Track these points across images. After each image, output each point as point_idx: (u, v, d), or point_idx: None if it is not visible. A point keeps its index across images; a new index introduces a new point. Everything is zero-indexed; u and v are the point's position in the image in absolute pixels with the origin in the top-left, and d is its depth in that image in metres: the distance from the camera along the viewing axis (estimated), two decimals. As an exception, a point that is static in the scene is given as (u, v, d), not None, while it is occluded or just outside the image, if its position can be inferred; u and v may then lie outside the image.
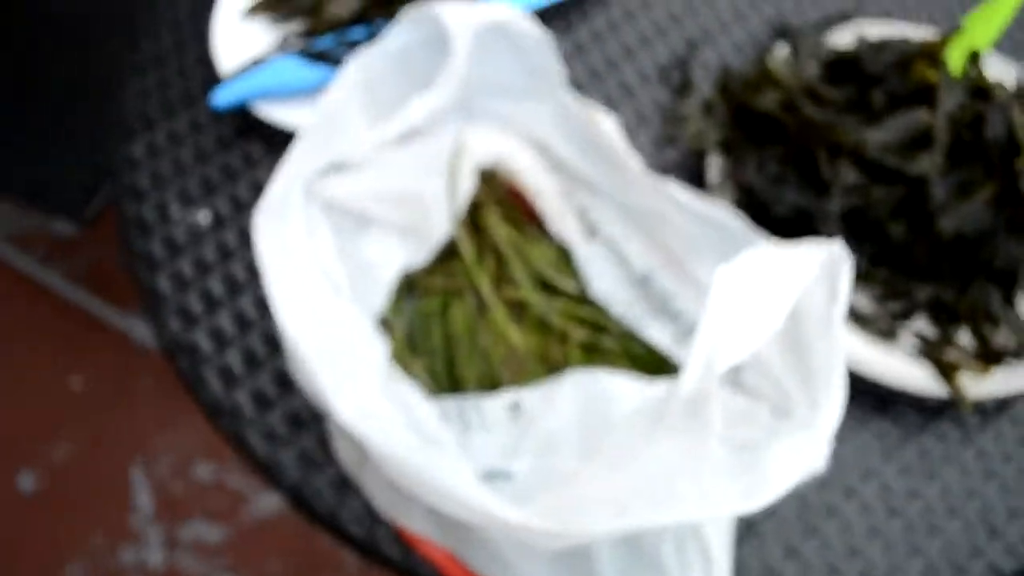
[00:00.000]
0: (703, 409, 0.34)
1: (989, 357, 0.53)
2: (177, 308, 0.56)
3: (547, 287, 0.53)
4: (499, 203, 0.54)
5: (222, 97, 0.59)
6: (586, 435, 0.43)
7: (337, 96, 0.48)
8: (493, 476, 0.44)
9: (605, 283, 0.53)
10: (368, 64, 0.49)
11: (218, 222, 0.58)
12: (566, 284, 0.53)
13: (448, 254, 0.53)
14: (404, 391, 0.43)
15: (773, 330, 0.34)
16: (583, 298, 0.53)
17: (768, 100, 0.58)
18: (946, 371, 0.52)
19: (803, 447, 0.37)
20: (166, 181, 0.60)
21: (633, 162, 0.50)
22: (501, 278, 0.53)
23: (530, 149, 0.54)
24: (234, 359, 0.54)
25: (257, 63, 0.60)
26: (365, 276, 0.51)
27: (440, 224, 0.51)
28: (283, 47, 0.61)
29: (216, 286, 0.57)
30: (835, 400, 0.37)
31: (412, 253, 0.52)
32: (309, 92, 0.59)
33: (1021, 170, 0.54)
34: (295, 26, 0.63)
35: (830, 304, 0.37)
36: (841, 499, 0.51)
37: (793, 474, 0.37)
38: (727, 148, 0.58)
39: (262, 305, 0.56)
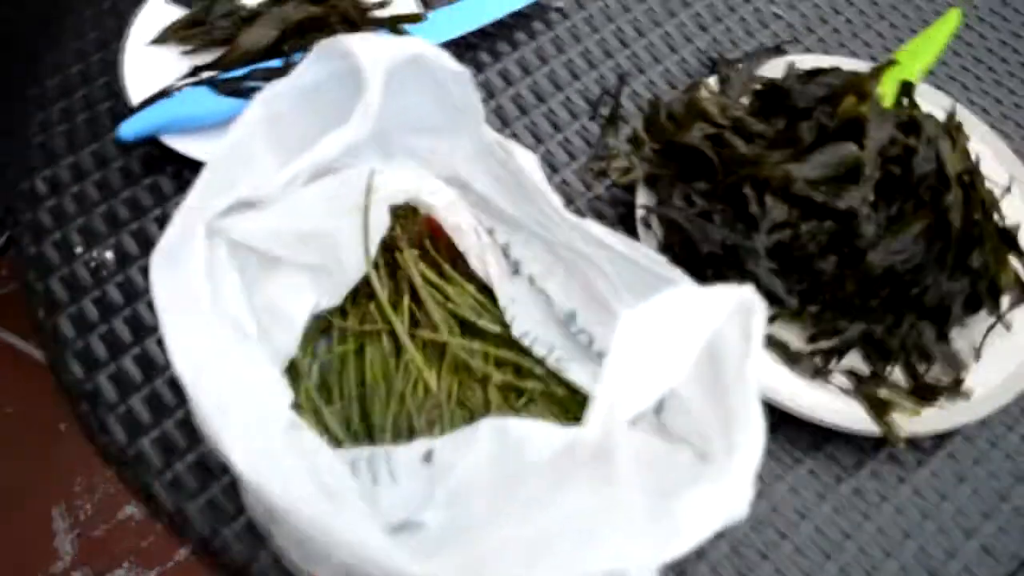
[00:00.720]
0: (610, 455, 0.32)
1: (923, 393, 0.52)
2: (79, 351, 0.52)
3: (468, 327, 0.51)
4: (416, 242, 0.52)
5: (129, 128, 0.56)
6: (499, 483, 0.40)
7: (243, 132, 0.46)
8: (403, 528, 0.41)
9: (527, 323, 0.51)
10: (276, 98, 0.47)
11: (123, 261, 0.55)
12: (487, 325, 0.50)
13: (363, 295, 0.51)
14: (308, 440, 0.41)
15: (680, 375, 0.33)
16: (505, 339, 0.50)
17: (695, 134, 0.57)
18: (878, 408, 0.51)
19: (721, 493, 0.35)
20: (69, 217, 0.56)
21: (554, 200, 0.49)
22: (419, 320, 0.50)
23: (449, 186, 0.52)
24: (139, 405, 0.51)
25: (166, 94, 0.57)
26: (274, 318, 0.48)
27: (353, 264, 0.49)
28: (193, 78, 0.58)
29: (121, 328, 0.53)
30: (753, 443, 0.35)
31: (324, 294, 0.49)
32: (220, 124, 0.57)
33: (951, 204, 0.53)
34: (206, 57, 0.61)
35: (744, 347, 0.36)
36: (776, 540, 0.49)
37: (711, 521, 0.35)
38: (654, 183, 0.57)
39: (168, 348, 0.53)
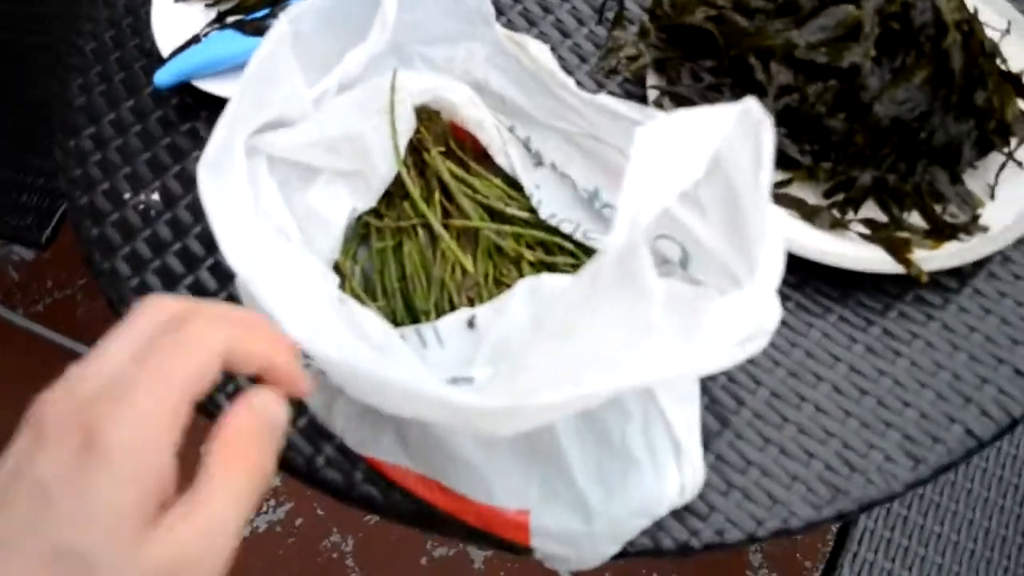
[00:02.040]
0: (636, 265, 0.34)
1: (940, 232, 0.53)
2: (136, 287, 0.56)
3: (497, 216, 0.53)
4: (441, 141, 0.55)
5: (164, 76, 0.59)
6: (536, 325, 0.43)
7: (268, 51, 0.49)
8: (452, 384, 0.44)
9: (554, 206, 0.53)
10: (298, 18, 0.49)
11: (169, 201, 0.59)
12: (516, 212, 0.53)
13: (396, 195, 0.54)
14: (358, 312, 0.44)
15: (695, 176, 0.35)
16: (534, 223, 0.53)
17: (697, 16, 0.59)
18: (898, 248, 0.53)
19: (747, 301, 0.37)
20: (115, 167, 0.60)
21: (568, 81, 0.51)
22: (451, 212, 0.53)
23: (467, 88, 0.55)
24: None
25: (195, 41, 0.61)
26: (314, 224, 0.51)
27: (384, 165, 0.52)
28: (219, 23, 0.62)
29: (174, 262, 0.57)
30: (773, 258, 0.38)
31: (360, 197, 0.52)
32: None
33: (951, 48, 0.55)
34: (230, 4, 0.64)
35: (756, 167, 0.38)
36: (811, 387, 0.51)
37: (739, 329, 0.37)
38: (663, 67, 0.59)
39: (220, 275, 0.56)
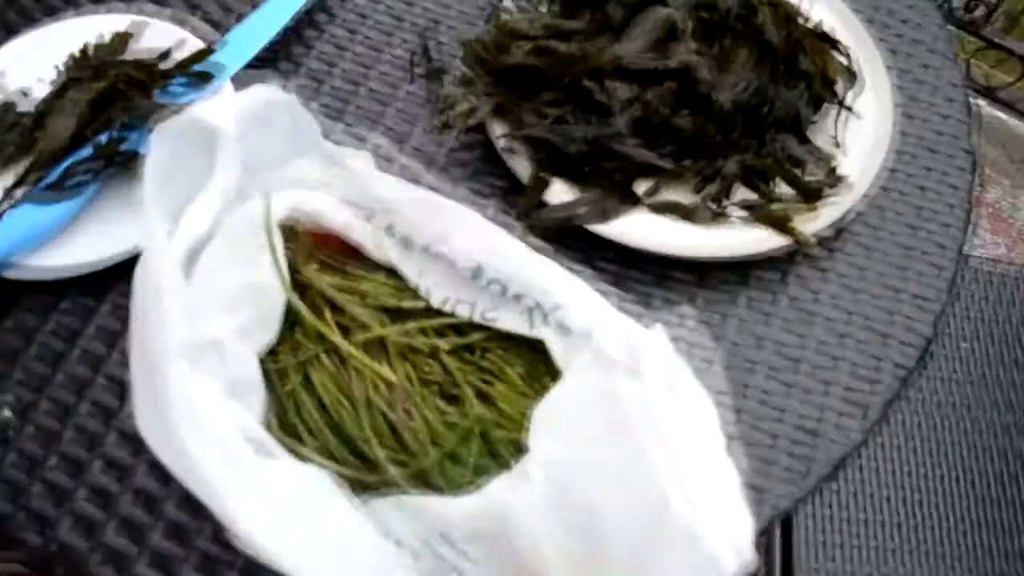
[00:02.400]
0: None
1: (808, 195, 0.56)
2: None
3: (394, 313, 0.50)
4: (310, 256, 0.51)
5: (-33, 274, 0.52)
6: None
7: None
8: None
9: (443, 290, 0.50)
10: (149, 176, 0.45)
11: (25, 411, 0.51)
12: (411, 304, 0.50)
13: (284, 328, 0.49)
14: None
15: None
16: (431, 311, 0.50)
17: (516, 54, 0.58)
18: (780, 223, 0.54)
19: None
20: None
21: (399, 186, 0.50)
22: (347, 327, 0.49)
23: (320, 194, 0.51)
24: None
25: (-11, 226, 0.53)
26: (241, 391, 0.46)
27: (275, 301, 0.48)
28: (9, 201, 0.54)
29: (55, 475, 0.50)
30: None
31: (258, 343, 0.48)
32: (58, 232, 0.54)
33: (763, 24, 0.57)
34: (13, 173, 0.56)
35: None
36: (748, 373, 0.53)
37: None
38: (502, 113, 0.58)
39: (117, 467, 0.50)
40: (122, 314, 0.54)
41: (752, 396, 0.52)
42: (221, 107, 0.48)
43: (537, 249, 0.48)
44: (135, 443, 0.50)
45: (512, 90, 0.58)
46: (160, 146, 0.47)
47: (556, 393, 0.43)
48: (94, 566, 0.48)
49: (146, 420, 0.44)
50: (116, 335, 0.54)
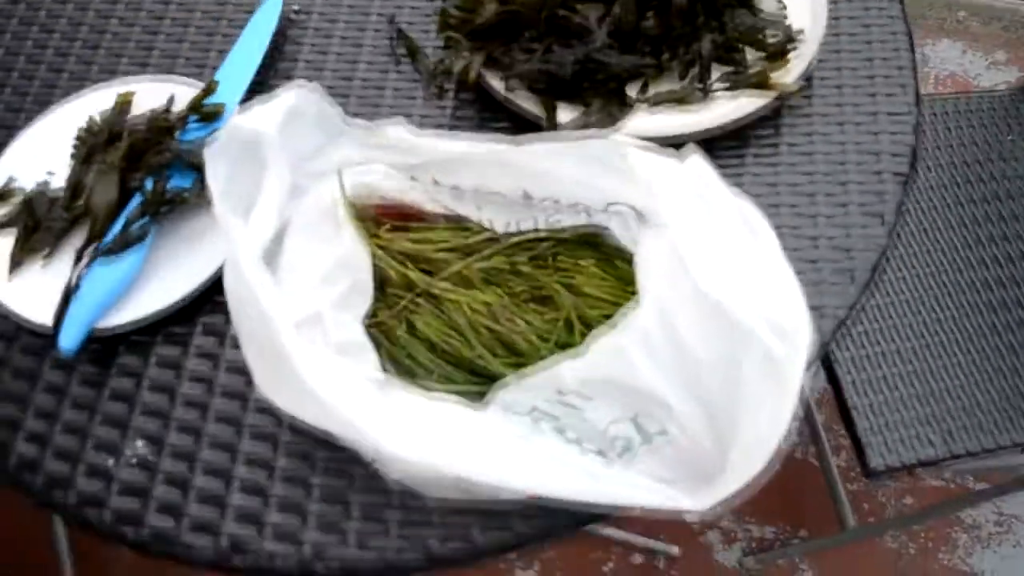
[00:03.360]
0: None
1: (775, 51, 0.63)
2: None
3: (465, 254, 0.55)
4: (378, 224, 0.56)
5: (68, 338, 0.55)
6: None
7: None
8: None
9: (505, 216, 0.56)
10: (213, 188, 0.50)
11: (158, 441, 0.55)
12: (479, 238, 0.56)
13: (377, 293, 0.54)
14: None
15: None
16: (498, 239, 0.56)
17: (490, 9, 0.64)
18: (761, 83, 0.61)
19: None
20: (75, 451, 0.55)
21: (439, 140, 0.55)
22: (431, 272, 0.55)
23: (368, 169, 0.56)
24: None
25: (69, 294, 0.57)
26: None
27: (364, 266, 0.52)
28: (82, 263, 0.58)
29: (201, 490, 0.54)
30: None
31: (359, 307, 0.53)
32: (135, 282, 0.58)
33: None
34: (71, 245, 0.60)
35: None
36: (773, 216, 0.58)
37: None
38: (493, 63, 0.64)
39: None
40: (214, 331, 0.59)
41: (785, 232, 0.58)
42: (259, 113, 0.53)
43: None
44: (269, 437, 0.55)
45: (495, 41, 0.64)
46: (216, 159, 0.52)
47: (641, 255, 0.49)
48: (268, 544, 0.52)
49: (273, 389, 0.48)
50: (214, 351, 0.58)
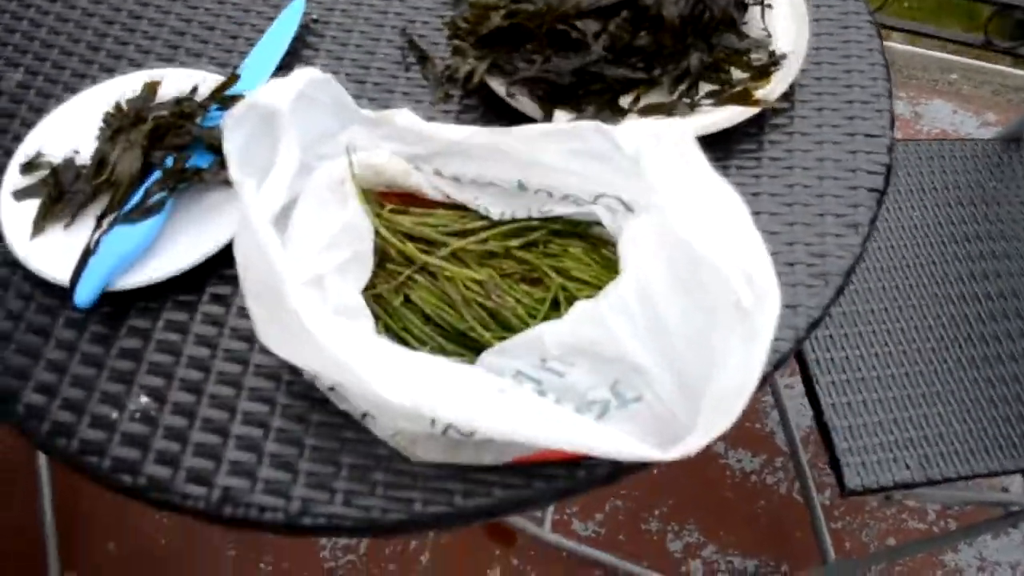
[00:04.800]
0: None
1: (759, 72, 0.68)
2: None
3: (462, 236, 0.59)
4: (379, 203, 0.60)
5: (83, 293, 0.59)
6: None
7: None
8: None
9: (500, 206, 0.60)
10: (231, 156, 0.54)
11: (160, 397, 0.58)
12: (475, 223, 0.59)
13: (377, 267, 0.58)
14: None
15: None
16: (495, 224, 0.59)
17: (495, 19, 0.69)
18: (744, 97, 0.66)
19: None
20: (82, 402, 0.58)
21: (444, 128, 0.59)
22: (429, 251, 0.58)
23: (375, 153, 0.60)
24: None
25: (88, 254, 0.61)
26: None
27: (367, 236, 0.56)
28: (100, 227, 0.62)
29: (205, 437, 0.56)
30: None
31: (359, 276, 0.56)
32: (151, 247, 0.62)
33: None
34: (92, 213, 0.64)
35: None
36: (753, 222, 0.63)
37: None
38: (497, 70, 0.68)
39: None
40: (221, 301, 0.62)
41: (764, 237, 0.62)
42: (275, 90, 0.56)
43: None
44: (267, 399, 0.58)
45: (499, 49, 0.69)
46: (233, 130, 0.55)
47: (625, 238, 0.53)
48: (258, 496, 0.54)
49: (277, 340, 0.51)
50: (220, 318, 0.61)
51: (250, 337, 0.59)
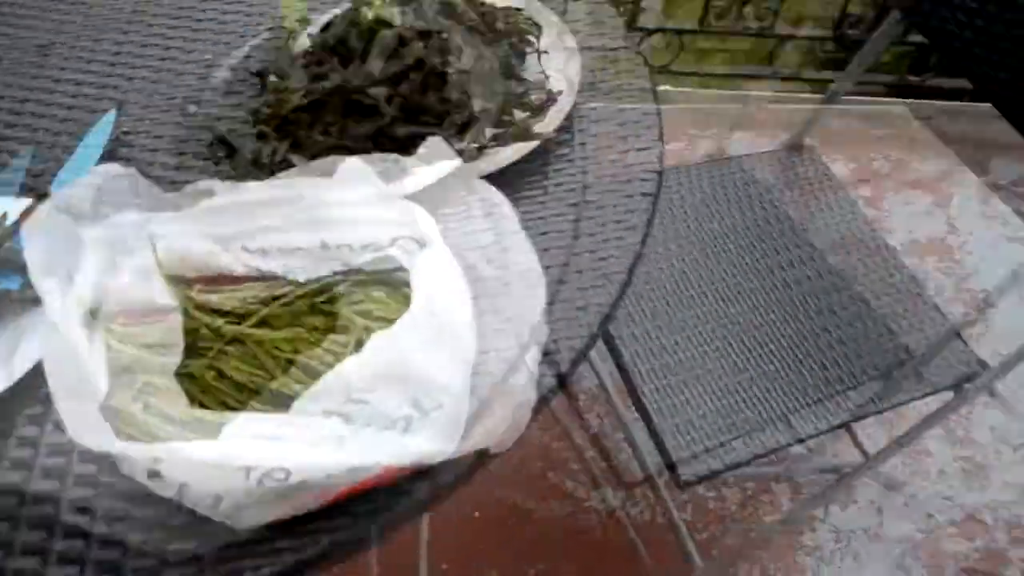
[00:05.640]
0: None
1: (539, 109, 0.74)
2: None
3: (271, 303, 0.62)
4: (190, 286, 0.63)
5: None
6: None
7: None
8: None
9: (307, 271, 0.63)
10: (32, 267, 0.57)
11: None
12: (283, 290, 0.63)
13: (188, 347, 0.60)
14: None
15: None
16: (301, 284, 0.63)
17: (294, 100, 0.74)
18: (524, 134, 0.72)
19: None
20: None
21: (243, 187, 0.63)
22: (239, 322, 0.61)
23: (181, 237, 0.64)
24: None
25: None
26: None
27: (175, 318, 0.59)
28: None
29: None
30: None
31: (169, 360, 0.58)
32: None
33: (463, 12, 0.77)
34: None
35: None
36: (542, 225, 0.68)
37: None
38: (297, 145, 0.73)
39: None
40: (37, 423, 0.62)
41: (553, 251, 0.67)
42: (74, 192, 0.60)
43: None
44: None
45: (298, 126, 0.74)
46: (34, 237, 0.58)
47: (416, 268, 0.57)
48: None
49: (90, 432, 0.51)
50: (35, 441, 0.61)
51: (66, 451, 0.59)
